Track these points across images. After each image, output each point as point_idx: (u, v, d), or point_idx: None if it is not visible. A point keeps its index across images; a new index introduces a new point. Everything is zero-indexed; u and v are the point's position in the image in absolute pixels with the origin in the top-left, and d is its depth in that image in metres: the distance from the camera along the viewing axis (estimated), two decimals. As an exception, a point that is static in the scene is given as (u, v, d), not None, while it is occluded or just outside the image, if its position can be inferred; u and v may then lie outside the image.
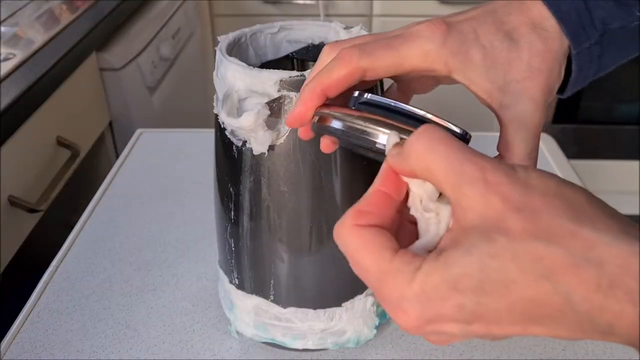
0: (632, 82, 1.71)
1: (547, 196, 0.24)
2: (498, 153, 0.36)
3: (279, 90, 0.41)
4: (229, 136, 0.45)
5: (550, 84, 0.35)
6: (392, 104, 0.31)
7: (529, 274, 0.23)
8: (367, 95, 0.32)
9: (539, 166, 0.36)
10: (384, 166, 0.29)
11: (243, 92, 0.42)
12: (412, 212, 0.29)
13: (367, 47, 0.34)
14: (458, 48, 0.34)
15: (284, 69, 0.42)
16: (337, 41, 0.37)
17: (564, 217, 0.23)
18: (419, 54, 0.34)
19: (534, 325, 0.24)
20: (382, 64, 0.34)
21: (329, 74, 0.34)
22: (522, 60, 0.35)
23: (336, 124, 0.32)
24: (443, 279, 0.24)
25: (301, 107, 0.34)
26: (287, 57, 0.51)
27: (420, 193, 0.28)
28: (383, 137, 0.30)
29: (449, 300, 0.24)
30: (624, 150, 1.87)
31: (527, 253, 0.23)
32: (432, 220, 0.28)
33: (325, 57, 0.36)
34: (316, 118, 0.34)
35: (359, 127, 0.31)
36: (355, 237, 0.27)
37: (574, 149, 1.86)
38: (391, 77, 0.38)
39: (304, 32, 0.50)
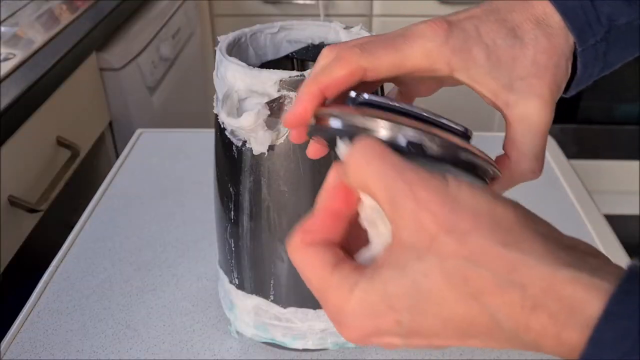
0: (632, 82, 1.71)
1: (477, 216, 0.24)
2: (504, 152, 0.36)
3: (279, 90, 0.41)
4: (229, 136, 0.45)
5: (557, 81, 0.35)
6: (391, 103, 0.30)
7: (458, 293, 0.24)
8: (365, 95, 0.31)
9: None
10: (330, 177, 0.29)
11: (243, 92, 0.42)
12: (361, 220, 0.29)
13: (367, 46, 0.34)
14: (460, 46, 0.34)
15: (284, 69, 0.42)
16: (337, 43, 0.36)
17: (491, 240, 0.23)
18: (421, 53, 0.34)
19: (470, 338, 0.25)
20: (383, 63, 0.33)
21: (328, 74, 0.33)
22: (527, 58, 0.34)
23: (335, 123, 0.31)
24: (379, 297, 0.25)
25: (299, 107, 0.34)
26: (287, 57, 0.51)
27: (367, 203, 0.28)
28: (385, 133, 0.29)
29: (386, 317, 0.25)
30: (624, 150, 1.87)
31: (457, 273, 0.24)
32: (375, 232, 0.28)
33: (324, 59, 0.35)
34: (313, 120, 0.33)
35: (359, 124, 0.29)
36: (301, 255, 0.28)
37: (574, 149, 1.86)
38: (392, 80, 0.38)
39: (304, 32, 0.50)
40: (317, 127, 0.33)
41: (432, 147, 0.28)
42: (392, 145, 0.28)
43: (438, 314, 0.24)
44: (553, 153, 0.82)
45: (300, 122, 0.34)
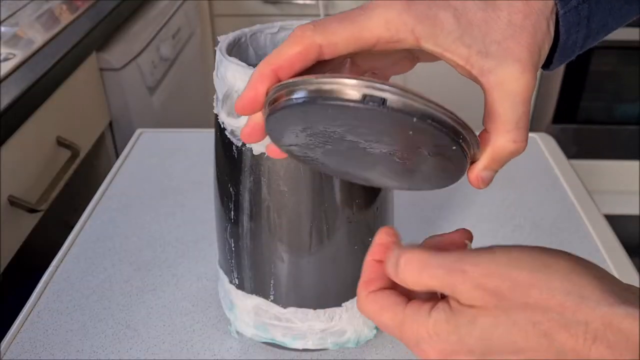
0: (632, 82, 1.71)
1: (533, 272, 0.27)
2: (484, 128, 0.33)
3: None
4: (228, 136, 0.45)
5: (537, 42, 0.32)
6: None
7: (530, 331, 0.27)
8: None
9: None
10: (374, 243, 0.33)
11: None
12: None
13: (322, 22, 0.31)
14: (425, 12, 0.31)
15: None
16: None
17: (554, 290, 0.27)
18: (381, 23, 0.31)
19: None
20: (339, 37, 0.31)
21: (279, 53, 0.31)
22: (501, 19, 0.31)
23: (298, 94, 0.29)
24: (453, 331, 0.28)
25: (250, 91, 0.31)
26: None
27: None
28: (353, 92, 0.28)
29: (461, 344, 0.28)
30: (624, 150, 1.87)
31: (527, 319, 0.27)
32: None
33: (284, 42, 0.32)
34: (267, 109, 0.31)
35: (326, 86, 0.28)
36: (371, 304, 0.31)
37: (574, 149, 1.86)
38: (356, 58, 0.35)
39: None
40: (275, 110, 0.31)
41: (395, 99, 0.28)
42: (352, 100, 0.28)
43: (512, 348, 0.27)
44: (553, 153, 0.82)
45: (252, 109, 0.32)
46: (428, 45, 0.31)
